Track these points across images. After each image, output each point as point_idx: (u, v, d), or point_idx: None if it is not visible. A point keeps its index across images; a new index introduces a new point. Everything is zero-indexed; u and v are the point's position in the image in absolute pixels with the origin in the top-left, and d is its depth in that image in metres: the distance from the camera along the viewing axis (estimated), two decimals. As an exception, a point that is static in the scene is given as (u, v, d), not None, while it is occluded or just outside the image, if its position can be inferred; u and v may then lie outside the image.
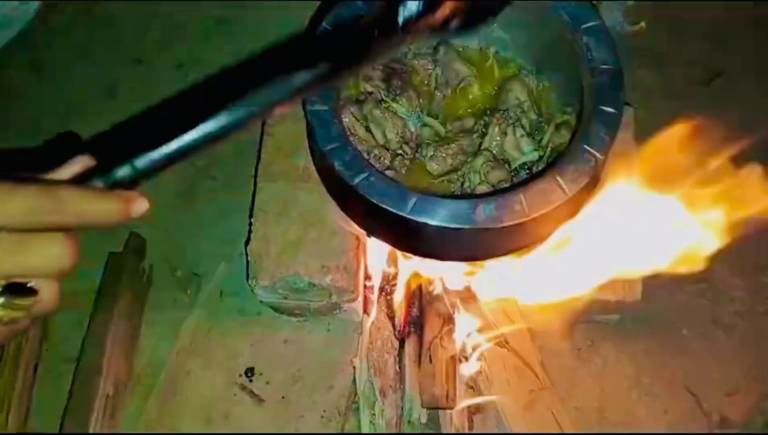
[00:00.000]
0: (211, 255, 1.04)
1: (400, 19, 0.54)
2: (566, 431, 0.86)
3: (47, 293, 0.41)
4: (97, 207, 0.42)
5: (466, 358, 0.90)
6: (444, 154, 0.79)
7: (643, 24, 1.18)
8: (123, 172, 0.43)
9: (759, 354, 0.97)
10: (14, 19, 1.07)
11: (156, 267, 1.04)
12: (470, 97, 0.87)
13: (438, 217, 0.66)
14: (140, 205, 0.43)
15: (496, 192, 0.74)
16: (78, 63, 1.19)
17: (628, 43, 1.16)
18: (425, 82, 0.88)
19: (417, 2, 0.55)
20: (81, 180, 0.43)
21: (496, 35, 0.88)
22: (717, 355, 0.97)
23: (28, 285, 0.41)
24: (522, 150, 0.80)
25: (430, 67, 0.88)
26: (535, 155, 0.80)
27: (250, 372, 0.96)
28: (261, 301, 0.95)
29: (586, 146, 0.69)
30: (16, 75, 1.18)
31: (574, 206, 0.71)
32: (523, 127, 0.81)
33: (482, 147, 0.79)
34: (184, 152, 0.44)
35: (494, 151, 0.79)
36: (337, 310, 0.95)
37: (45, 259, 0.40)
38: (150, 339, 0.99)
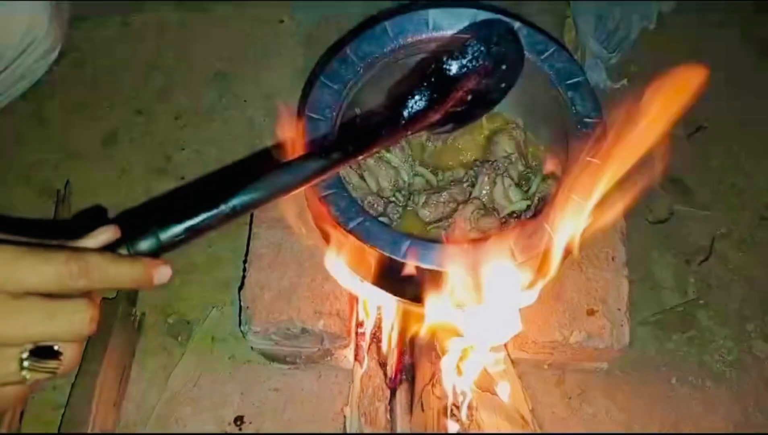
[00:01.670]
0: (203, 301, 1.05)
1: (405, 115, 0.64)
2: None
3: (69, 356, 0.44)
4: (124, 273, 0.45)
5: (458, 406, 0.89)
6: (435, 202, 0.81)
7: (625, 81, 1.23)
8: (147, 243, 0.46)
9: (747, 402, 0.98)
10: (35, 71, 1.10)
11: (148, 313, 1.04)
12: (460, 148, 0.90)
13: (431, 261, 0.68)
14: (164, 273, 0.47)
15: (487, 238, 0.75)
16: (79, 112, 1.22)
17: (611, 98, 1.21)
18: (417, 134, 0.91)
19: (420, 102, 0.64)
20: (107, 249, 0.46)
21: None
22: (706, 403, 0.98)
23: (54, 348, 0.43)
24: (511, 199, 0.82)
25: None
26: (524, 204, 0.82)
27: (239, 420, 0.95)
28: (252, 348, 0.95)
29: (573, 195, 0.72)
30: (17, 124, 1.20)
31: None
32: (511, 177, 0.84)
33: (472, 195, 0.82)
34: (206, 227, 0.48)
35: (484, 200, 0.82)
36: (329, 357, 0.95)
37: (71, 325, 0.43)
38: (139, 385, 0.99)
